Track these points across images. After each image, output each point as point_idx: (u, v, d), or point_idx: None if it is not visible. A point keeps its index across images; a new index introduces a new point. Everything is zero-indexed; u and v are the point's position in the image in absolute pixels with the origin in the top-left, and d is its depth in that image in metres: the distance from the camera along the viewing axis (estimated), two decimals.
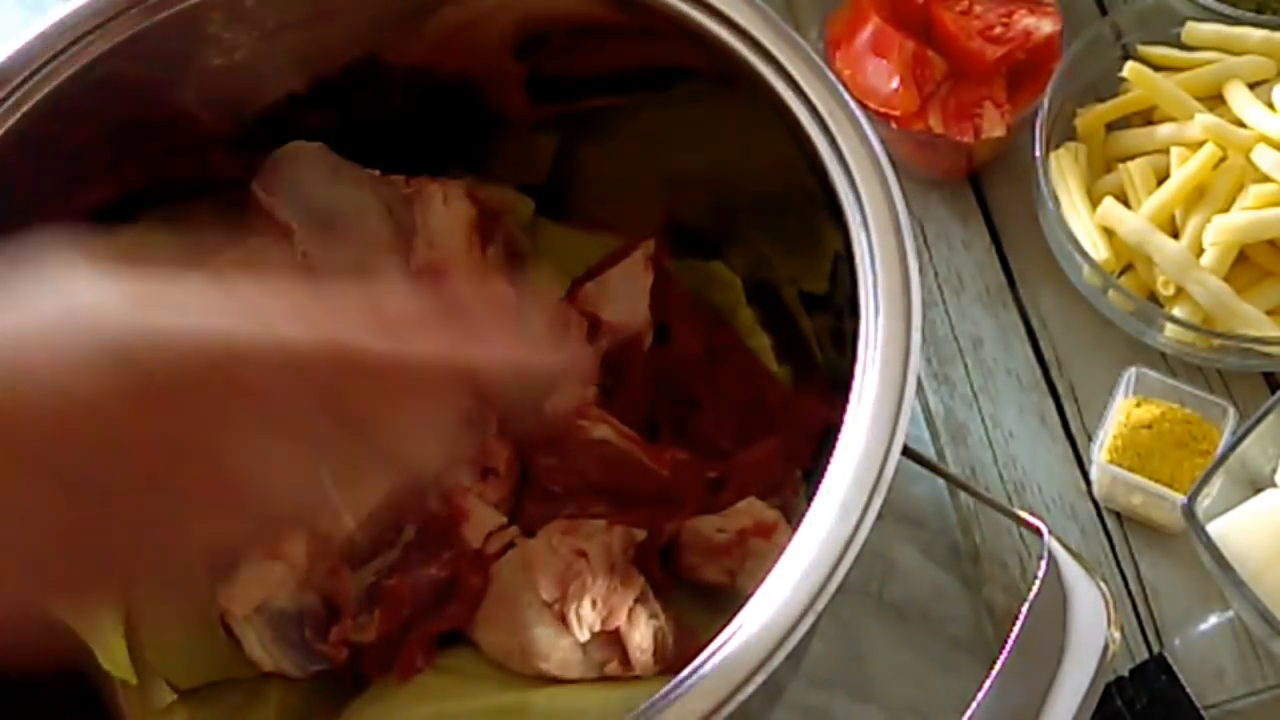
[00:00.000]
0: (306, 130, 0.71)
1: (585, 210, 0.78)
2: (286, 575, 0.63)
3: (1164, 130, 0.76)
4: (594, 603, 0.62)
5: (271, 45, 0.67)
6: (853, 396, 0.53)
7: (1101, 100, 0.79)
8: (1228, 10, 0.78)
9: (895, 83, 0.78)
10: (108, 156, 0.67)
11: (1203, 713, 0.64)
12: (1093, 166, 0.79)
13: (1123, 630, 0.68)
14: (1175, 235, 0.74)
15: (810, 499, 0.51)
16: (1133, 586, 0.70)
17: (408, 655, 0.63)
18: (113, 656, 0.65)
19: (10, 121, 0.61)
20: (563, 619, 0.62)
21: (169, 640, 0.67)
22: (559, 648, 0.62)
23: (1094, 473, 0.72)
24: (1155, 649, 0.68)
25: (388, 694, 0.63)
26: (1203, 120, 0.74)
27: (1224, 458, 0.65)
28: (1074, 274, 0.76)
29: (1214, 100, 0.77)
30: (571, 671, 0.62)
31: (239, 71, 0.68)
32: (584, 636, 0.61)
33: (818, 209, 0.60)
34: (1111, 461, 0.69)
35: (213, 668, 0.66)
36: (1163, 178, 0.75)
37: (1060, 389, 0.76)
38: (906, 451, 0.52)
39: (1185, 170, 0.74)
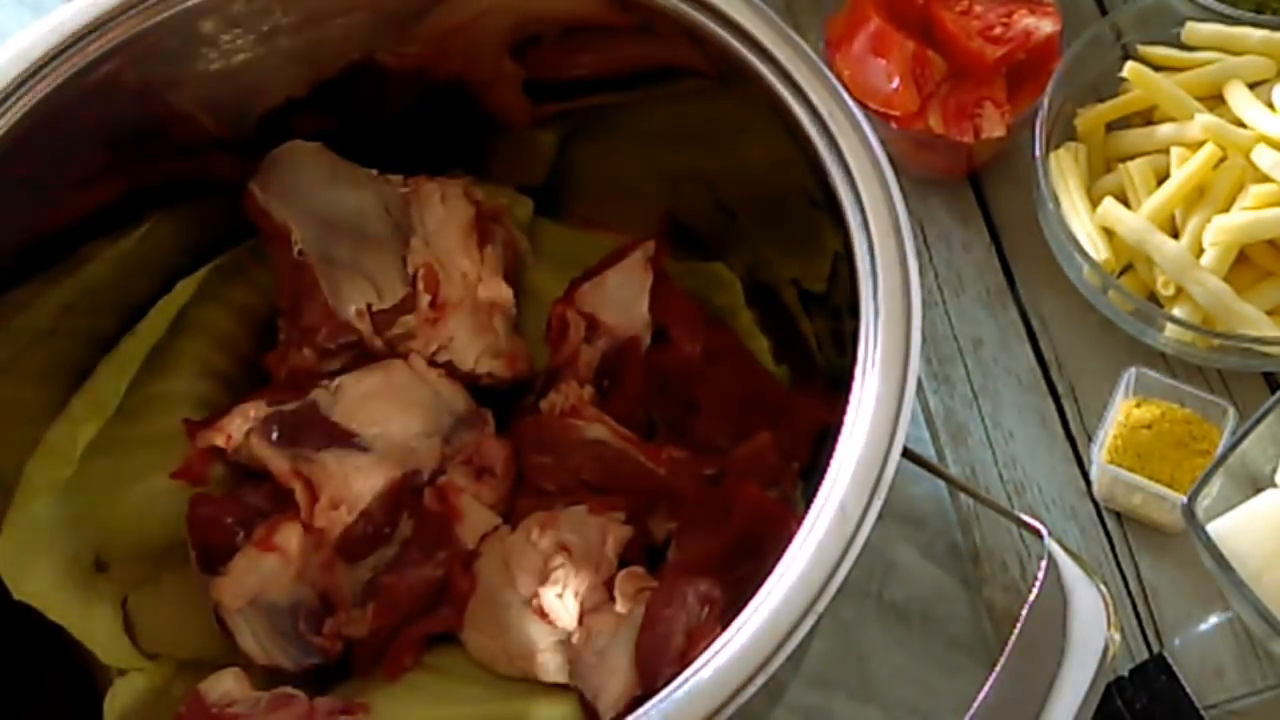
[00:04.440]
0: (305, 131, 0.71)
1: (584, 210, 0.78)
2: (280, 568, 0.63)
3: (1164, 130, 0.76)
4: (575, 594, 0.62)
5: (269, 48, 0.67)
6: (853, 397, 0.53)
7: (1101, 100, 0.79)
8: (1228, 10, 0.78)
9: (895, 83, 0.78)
10: (107, 157, 0.67)
11: (1203, 713, 0.63)
12: (1093, 166, 0.78)
13: (1123, 630, 0.68)
14: (1175, 235, 0.74)
15: (810, 499, 0.51)
16: (1133, 587, 0.70)
17: (396, 655, 0.63)
18: (109, 649, 0.65)
19: (11, 122, 0.61)
20: (542, 614, 0.62)
21: (164, 632, 0.67)
22: (540, 649, 0.62)
23: (1094, 473, 0.72)
24: (1155, 649, 0.68)
25: (372, 688, 0.63)
26: (1203, 120, 0.74)
27: (1224, 458, 0.65)
28: (1074, 274, 0.76)
29: (1214, 100, 0.77)
30: (551, 674, 0.62)
31: (237, 73, 0.68)
32: (565, 622, 0.61)
33: (818, 209, 0.60)
34: (1111, 461, 0.69)
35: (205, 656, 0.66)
36: (1163, 178, 0.75)
37: (1060, 389, 0.76)
38: (906, 453, 0.52)
39: (1185, 170, 0.74)
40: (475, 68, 0.71)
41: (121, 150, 0.67)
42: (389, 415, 0.67)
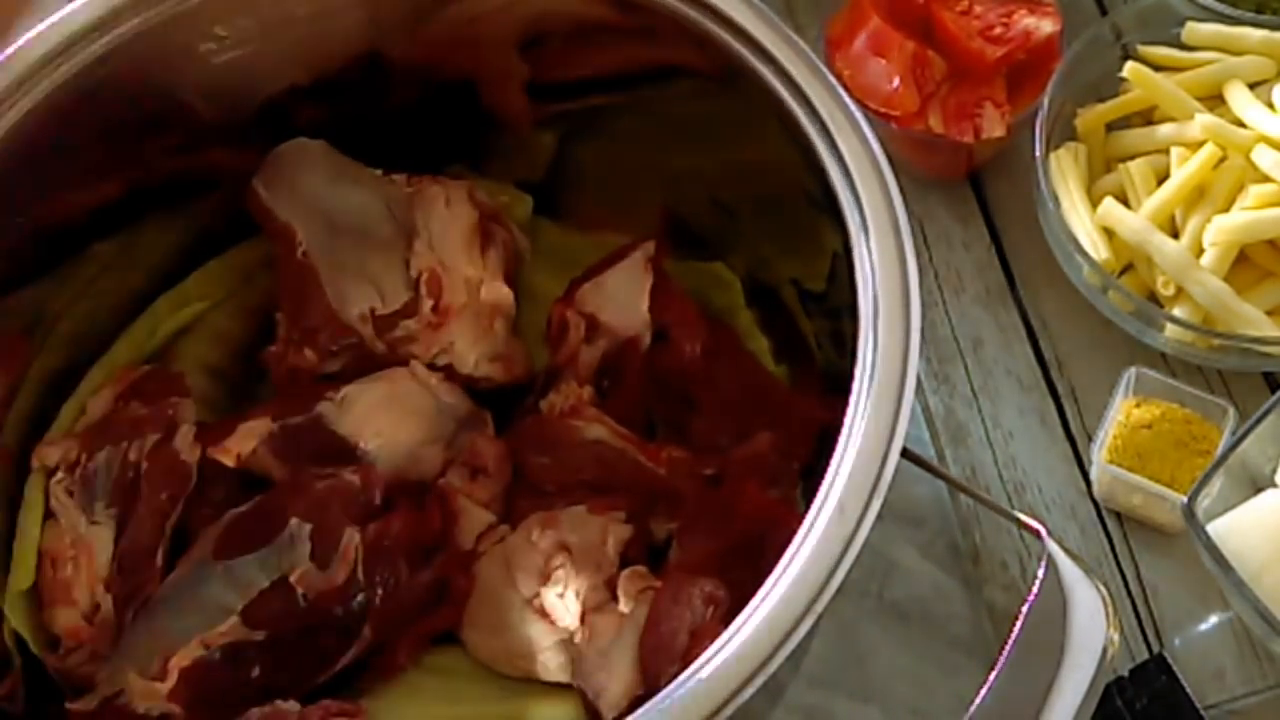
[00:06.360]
0: (305, 123, 0.71)
1: (584, 210, 0.78)
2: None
3: (1164, 130, 0.76)
4: (577, 593, 0.62)
5: (273, 43, 0.67)
6: (852, 397, 0.53)
7: (1101, 100, 0.79)
8: (1228, 10, 0.78)
9: (895, 83, 0.78)
10: (109, 155, 0.67)
11: (1203, 713, 0.64)
12: (1093, 166, 0.78)
13: (1122, 630, 0.68)
14: (1175, 235, 0.74)
15: (810, 499, 0.51)
16: (1133, 587, 0.70)
17: (392, 655, 0.63)
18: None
19: (11, 121, 0.61)
20: (544, 614, 0.62)
21: None
22: (542, 648, 0.62)
23: (1094, 473, 0.72)
24: (1155, 649, 0.68)
25: (372, 690, 0.63)
26: (1203, 120, 0.74)
27: (1224, 458, 0.65)
28: (1074, 274, 0.76)
29: (1214, 100, 0.77)
30: (553, 673, 0.62)
31: (240, 69, 0.68)
32: (567, 621, 0.61)
33: (817, 209, 0.60)
34: (1111, 461, 0.69)
35: None
36: (1163, 178, 0.75)
37: (1060, 389, 0.76)
38: (906, 453, 0.52)
39: (1185, 170, 0.74)
40: (482, 65, 0.71)
41: (122, 148, 0.67)
42: (394, 425, 0.67)
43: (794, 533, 0.50)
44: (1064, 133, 0.79)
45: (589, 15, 0.67)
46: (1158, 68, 0.78)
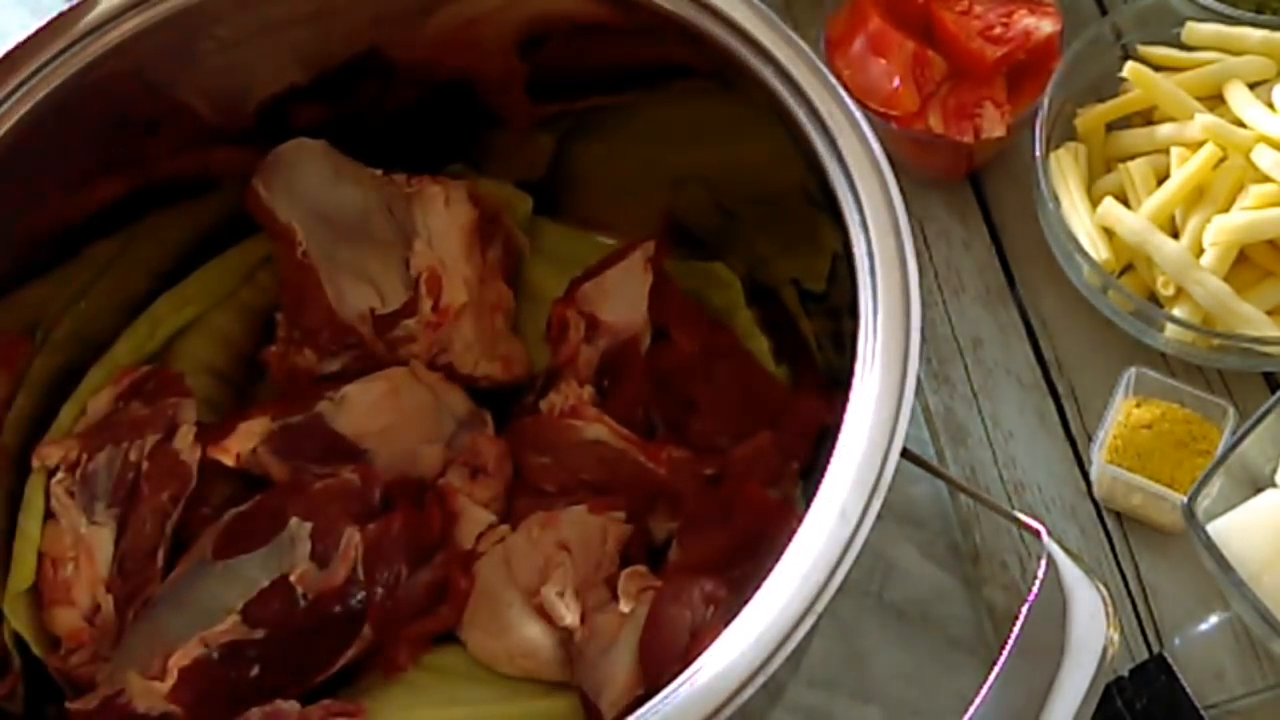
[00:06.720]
0: (304, 122, 0.71)
1: (584, 210, 0.78)
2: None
3: (1164, 130, 0.76)
4: (577, 593, 0.62)
5: (273, 43, 0.67)
6: (852, 397, 0.53)
7: (1101, 100, 0.79)
8: (1228, 10, 0.78)
9: (895, 83, 0.78)
10: (108, 155, 0.67)
11: (1203, 713, 0.64)
12: (1093, 166, 0.78)
13: (1122, 630, 0.68)
14: (1175, 235, 0.74)
15: (810, 499, 0.51)
16: (1133, 587, 0.70)
17: (392, 654, 0.63)
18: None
19: (10, 121, 0.61)
20: (544, 614, 0.62)
21: None
22: (542, 647, 0.62)
23: (1094, 473, 0.72)
24: (1155, 649, 0.68)
25: (373, 690, 0.63)
26: (1203, 120, 0.74)
27: (1224, 458, 0.65)
28: (1074, 274, 0.76)
29: (1214, 100, 0.77)
30: (553, 672, 0.62)
31: (240, 69, 0.68)
32: (568, 620, 0.61)
33: (817, 209, 0.60)
34: (1111, 461, 0.69)
35: None
36: (1163, 178, 0.75)
37: (1060, 389, 0.76)
38: (906, 454, 0.52)
39: (1185, 170, 0.74)
40: (482, 65, 0.71)
41: (122, 148, 0.67)
42: (394, 425, 0.67)
43: (794, 533, 0.50)
44: (1064, 133, 0.79)
45: (588, 15, 0.67)
46: (1158, 68, 0.78)
